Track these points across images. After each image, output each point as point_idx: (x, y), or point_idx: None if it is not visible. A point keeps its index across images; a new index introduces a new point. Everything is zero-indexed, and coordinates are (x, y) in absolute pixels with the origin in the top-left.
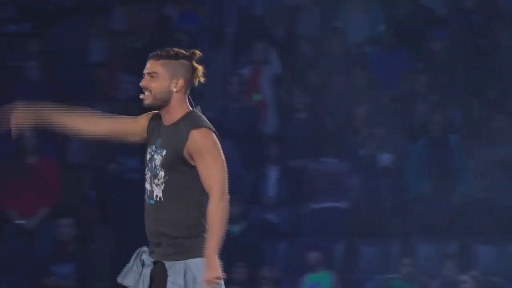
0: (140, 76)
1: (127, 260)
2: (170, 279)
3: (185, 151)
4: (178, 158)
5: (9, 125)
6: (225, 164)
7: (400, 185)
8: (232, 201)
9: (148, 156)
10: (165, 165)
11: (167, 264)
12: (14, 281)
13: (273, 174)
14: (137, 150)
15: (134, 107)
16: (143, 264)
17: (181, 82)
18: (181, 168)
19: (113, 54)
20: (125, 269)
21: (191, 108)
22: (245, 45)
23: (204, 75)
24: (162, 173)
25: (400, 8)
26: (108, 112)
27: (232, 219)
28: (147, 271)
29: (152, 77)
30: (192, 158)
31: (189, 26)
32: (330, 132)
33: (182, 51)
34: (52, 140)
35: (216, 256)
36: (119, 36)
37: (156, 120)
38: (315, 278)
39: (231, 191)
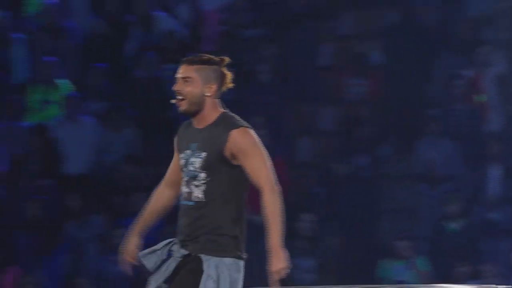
0: (367, 79)
1: (350, 258)
2: (205, 271)
3: (226, 152)
4: (219, 159)
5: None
6: (268, 157)
7: None
8: (452, 199)
9: (182, 162)
10: (206, 166)
11: (204, 257)
12: None
13: (495, 173)
14: (367, 148)
15: (360, 109)
16: (169, 255)
17: (214, 87)
18: (222, 168)
19: (340, 58)
20: (150, 249)
21: (223, 110)
22: (469, 47)
23: (430, 76)
24: (203, 175)
25: None
26: (335, 114)
27: (452, 217)
28: (172, 263)
29: (186, 81)
30: (234, 158)
31: (416, 29)
32: None
33: (213, 57)
34: (281, 140)
35: (282, 248)
36: (346, 40)
37: (183, 129)
38: None
39: (453, 190)
